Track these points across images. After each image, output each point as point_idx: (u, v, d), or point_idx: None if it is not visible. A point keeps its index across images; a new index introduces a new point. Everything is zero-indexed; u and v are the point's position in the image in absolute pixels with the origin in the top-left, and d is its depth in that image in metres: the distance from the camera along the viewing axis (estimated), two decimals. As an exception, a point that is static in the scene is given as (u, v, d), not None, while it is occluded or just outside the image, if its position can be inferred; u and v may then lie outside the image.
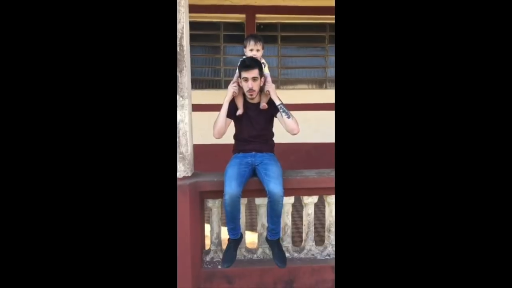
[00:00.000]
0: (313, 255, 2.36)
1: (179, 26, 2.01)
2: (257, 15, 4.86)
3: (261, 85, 2.16)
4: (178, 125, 2.08)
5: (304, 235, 2.39)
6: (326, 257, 2.35)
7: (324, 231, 2.43)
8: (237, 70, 2.16)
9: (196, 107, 2.54)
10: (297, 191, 2.27)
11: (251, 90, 2.10)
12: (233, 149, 2.29)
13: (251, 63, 2.07)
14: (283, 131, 2.19)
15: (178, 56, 2.03)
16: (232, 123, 2.25)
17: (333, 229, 2.34)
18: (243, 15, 4.85)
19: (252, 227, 3.27)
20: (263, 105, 2.18)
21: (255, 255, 2.34)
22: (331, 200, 2.31)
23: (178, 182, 2.04)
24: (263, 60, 2.20)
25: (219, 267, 2.26)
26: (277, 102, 2.14)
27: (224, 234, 2.41)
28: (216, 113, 2.17)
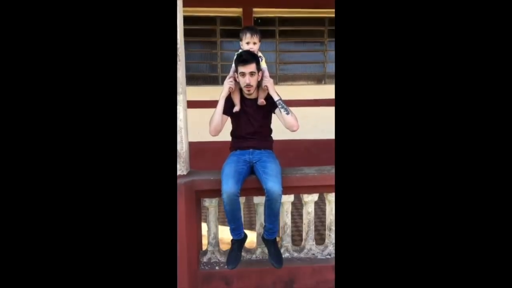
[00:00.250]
0: (313, 254, 2.31)
1: (172, 19, 1.95)
2: (255, 9, 4.78)
3: (259, 80, 2.09)
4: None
5: (304, 234, 2.33)
6: (327, 257, 2.30)
7: (325, 230, 2.38)
8: (233, 65, 2.08)
9: (193, 104, 2.49)
10: (297, 189, 2.22)
11: (248, 85, 2.03)
12: (230, 147, 2.22)
13: (248, 57, 2.00)
14: (281, 127, 2.12)
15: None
16: (229, 120, 2.18)
17: (334, 228, 2.29)
18: (240, 9, 4.78)
19: (250, 226, 3.22)
20: (261, 101, 2.11)
21: (254, 255, 2.29)
22: (331, 198, 2.26)
23: (174, 181, 1.98)
24: (260, 54, 2.12)
25: (217, 268, 2.21)
26: (276, 98, 2.07)
27: (222, 234, 2.36)
28: (213, 109, 2.10)
